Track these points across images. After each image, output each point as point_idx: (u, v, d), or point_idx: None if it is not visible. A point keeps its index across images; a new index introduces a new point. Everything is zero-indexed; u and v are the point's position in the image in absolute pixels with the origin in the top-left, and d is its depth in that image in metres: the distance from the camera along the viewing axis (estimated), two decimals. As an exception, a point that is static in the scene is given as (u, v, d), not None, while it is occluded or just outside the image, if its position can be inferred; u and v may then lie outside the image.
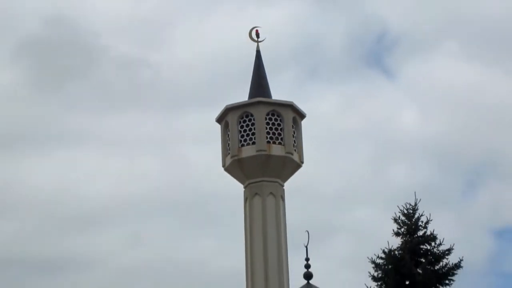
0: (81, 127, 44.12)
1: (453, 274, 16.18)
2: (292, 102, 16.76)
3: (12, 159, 44.49)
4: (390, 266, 16.29)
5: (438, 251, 16.47)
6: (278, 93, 17.66)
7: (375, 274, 16.45)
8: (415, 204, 17.02)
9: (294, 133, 16.71)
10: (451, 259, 16.31)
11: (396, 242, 16.71)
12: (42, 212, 42.81)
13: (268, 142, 16.02)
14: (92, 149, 45.24)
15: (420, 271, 16.11)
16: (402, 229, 16.89)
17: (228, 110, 16.56)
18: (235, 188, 17.39)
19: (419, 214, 16.98)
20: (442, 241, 16.49)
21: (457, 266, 16.18)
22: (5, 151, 45.87)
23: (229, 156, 16.45)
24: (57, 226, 43.99)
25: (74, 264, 42.55)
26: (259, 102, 16.35)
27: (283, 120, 16.42)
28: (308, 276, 21.01)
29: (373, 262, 16.48)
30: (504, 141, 44.70)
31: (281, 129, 16.33)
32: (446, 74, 45.45)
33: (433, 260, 16.40)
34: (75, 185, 42.84)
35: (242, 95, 17.65)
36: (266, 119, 16.19)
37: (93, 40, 44.97)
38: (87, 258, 42.78)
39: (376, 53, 53.33)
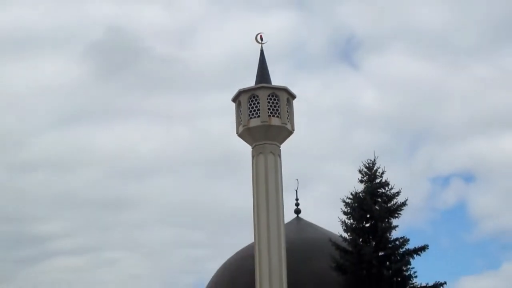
0: (132, 105, 53.97)
1: (401, 210, 19.73)
2: (286, 86, 18.99)
3: (85, 129, 54.26)
4: (356, 204, 19.69)
5: (390, 193, 19.90)
6: (276, 80, 19.65)
7: (345, 210, 19.91)
8: (374, 160, 20.39)
9: (287, 109, 18.86)
10: (399, 199, 19.84)
11: (360, 187, 20.31)
12: (107, 166, 53.26)
13: (269, 115, 18.22)
14: (141, 121, 55.82)
15: (377, 208, 19.57)
16: (365, 178, 20.34)
17: (240, 92, 18.77)
18: (245, 149, 19.80)
19: (377, 167, 20.31)
20: (393, 186, 19.96)
21: (403, 204, 19.71)
22: (79, 124, 55.93)
23: (241, 126, 18.74)
24: (118, 175, 55.10)
25: (130, 204, 53.83)
26: (262, 87, 18.56)
27: (280, 99, 18.56)
28: (297, 211, 25.73)
29: (344, 201, 19.95)
30: (437, 114, 54.95)
31: (278, 106, 18.49)
32: (396, 66, 55.17)
33: (386, 199, 19.87)
34: (129, 146, 52.64)
35: (250, 81, 19.75)
36: (267, 99, 18.33)
37: (139, 42, 54.50)
38: (140, 199, 53.65)
39: (346, 51, 64.11)
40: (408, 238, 19.69)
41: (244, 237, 26.48)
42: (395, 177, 20.63)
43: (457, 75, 56.89)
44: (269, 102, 18.47)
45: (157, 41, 58.65)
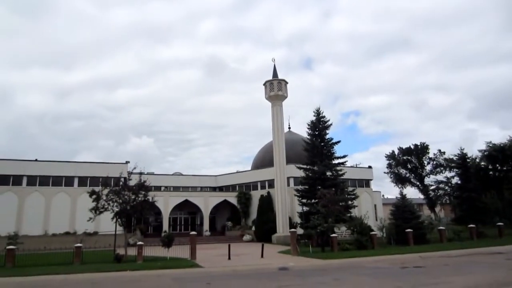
0: (223, 87, 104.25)
1: (329, 126, 37.66)
2: (284, 78, 38.53)
3: (204, 100, 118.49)
4: (312, 125, 38.16)
5: (325, 120, 38.20)
6: (280, 75, 39.09)
7: (308, 127, 38.44)
8: (319, 108, 38.89)
9: (285, 87, 37.99)
10: (329, 122, 38.01)
11: (313, 118, 38.24)
12: (213, 116, 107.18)
13: (278, 90, 37.82)
14: (225, 95, 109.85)
15: (320, 126, 37.63)
16: (315, 115, 38.36)
17: (267, 81, 38.84)
18: (268, 104, 39.62)
19: (320, 111, 38.29)
20: (327, 117, 38.23)
21: (331, 124, 37.82)
22: (200, 96, 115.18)
23: (267, 95, 38.59)
24: (221, 117, 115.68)
25: (225, 127, 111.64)
26: (275, 79, 38.35)
27: (282, 84, 38.12)
28: (289, 128, 48.07)
29: (308, 124, 38.67)
30: (344, 88, 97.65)
31: (281, 87, 38.05)
32: (327, 69, 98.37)
33: (324, 123, 37.89)
34: (223, 105, 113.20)
35: (269, 76, 39.57)
36: (277, 83, 38.02)
37: (223, 61, 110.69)
38: (228, 124, 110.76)
39: (307, 63, 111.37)
40: (333, 138, 37.71)
41: (269, 138, 47.11)
42: (327, 114, 51.09)
43: (354, 72, 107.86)
44: (277, 85, 38.30)
45: (231, 60, 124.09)
